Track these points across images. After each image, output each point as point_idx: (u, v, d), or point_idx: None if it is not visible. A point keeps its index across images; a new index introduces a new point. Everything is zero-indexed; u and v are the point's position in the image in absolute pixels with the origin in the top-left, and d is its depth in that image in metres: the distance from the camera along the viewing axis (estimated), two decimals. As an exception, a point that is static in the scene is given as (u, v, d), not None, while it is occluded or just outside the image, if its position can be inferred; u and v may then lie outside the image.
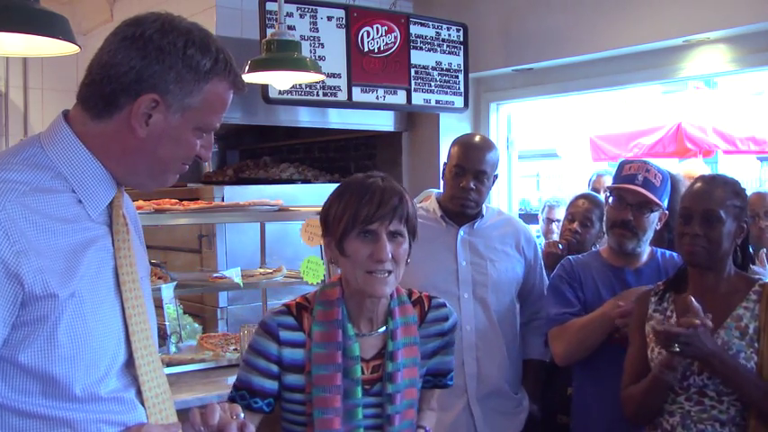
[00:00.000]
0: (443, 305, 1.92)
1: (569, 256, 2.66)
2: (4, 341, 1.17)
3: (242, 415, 1.38)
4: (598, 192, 4.24)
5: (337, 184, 1.82)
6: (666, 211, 2.46)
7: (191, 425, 1.33)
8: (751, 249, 2.23)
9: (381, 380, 1.76)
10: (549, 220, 4.21)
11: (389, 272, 1.70)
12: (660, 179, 2.42)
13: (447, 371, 1.94)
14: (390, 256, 1.68)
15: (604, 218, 2.52)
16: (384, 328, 1.79)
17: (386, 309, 1.79)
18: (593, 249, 2.88)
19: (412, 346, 1.81)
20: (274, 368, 1.74)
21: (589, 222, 3.14)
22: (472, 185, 2.62)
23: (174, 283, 2.89)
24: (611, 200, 2.48)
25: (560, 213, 4.12)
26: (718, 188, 2.07)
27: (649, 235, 2.46)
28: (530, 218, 5.70)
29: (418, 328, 1.83)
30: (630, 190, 2.40)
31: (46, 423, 1.20)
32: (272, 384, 1.74)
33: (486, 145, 2.71)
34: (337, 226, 1.71)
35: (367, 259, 1.68)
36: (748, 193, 2.24)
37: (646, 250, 2.52)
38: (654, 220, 2.44)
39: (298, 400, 1.75)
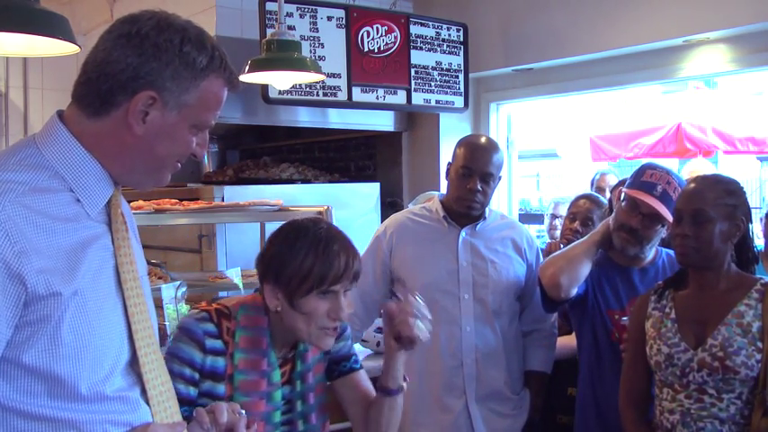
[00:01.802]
0: None
1: None
2: (8, 342, 1.16)
3: (243, 412, 1.38)
4: (602, 191, 4.27)
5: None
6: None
7: (199, 425, 1.33)
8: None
9: (290, 378, 1.78)
10: (554, 216, 4.32)
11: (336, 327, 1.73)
12: (678, 194, 2.36)
13: (347, 355, 1.93)
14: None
15: (613, 216, 2.50)
16: None
17: None
18: None
19: (319, 365, 1.85)
20: (197, 376, 1.70)
21: (590, 222, 3.14)
22: (479, 187, 2.62)
23: (177, 282, 2.89)
24: (623, 202, 2.45)
25: (564, 210, 4.17)
26: (709, 188, 2.07)
27: (655, 243, 2.46)
28: (530, 218, 5.71)
29: None
30: (646, 202, 2.37)
31: (51, 425, 1.19)
32: (194, 392, 1.70)
33: (493, 146, 2.70)
34: (297, 283, 1.67)
35: (324, 317, 1.69)
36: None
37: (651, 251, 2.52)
38: (661, 232, 2.43)
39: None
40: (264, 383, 1.72)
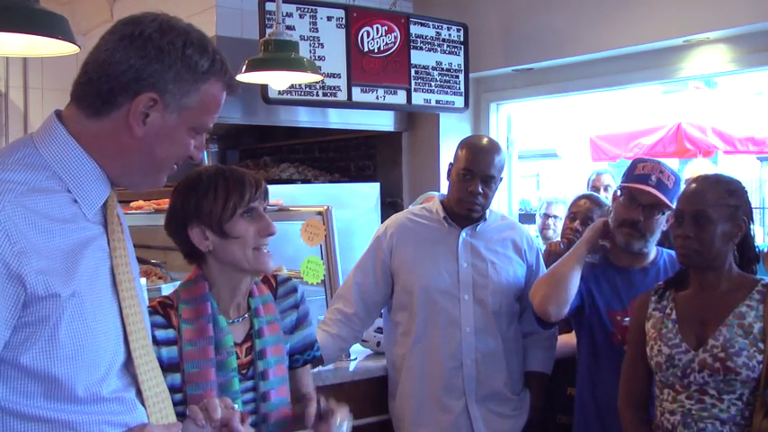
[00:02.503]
0: (289, 279, 2.00)
1: None
2: (6, 343, 1.16)
3: (236, 406, 1.38)
4: (598, 190, 4.29)
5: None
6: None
7: (193, 421, 1.33)
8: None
9: (253, 360, 1.82)
10: (547, 216, 4.36)
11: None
12: (673, 181, 2.40)
13: (311, 343, 1.98)
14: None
15: (611, 216, 2.50)
16: (247, 311, 1.86)
17: (247, 291, 1.86)
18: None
19: (274, 324, 1.88)
20: None
21: (590, 222, 3.14)
22: (480, 190, 2.62)
23: (177, 282, 2.88)
24: (621, 198, 2.46)
25: (557, 210, 4.24)
26: (710, 188, 2.06)
27: (657, 236, 2.45)
28: (530, 218, 5.72)
29: (275, 304, 1.91)
30: (644, 191, 2.38)
31: (48, 426, 1.19)
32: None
33: (495, 148, 2.69)
34: (219, 211, 1.75)
35: (256, 236, 1.77)
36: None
37: (652, 250, 2.52)
38: (662, 222, 2.43)
39: (175, 401, 1.68)
40: (211, 350, 1.75)
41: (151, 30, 1.26)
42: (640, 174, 2.41)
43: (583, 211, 3.18)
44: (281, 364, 1.87)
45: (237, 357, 1.79)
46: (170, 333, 1.76)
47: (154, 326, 1.72)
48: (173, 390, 1.67)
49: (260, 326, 1.84)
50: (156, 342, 1.71)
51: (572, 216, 3.24)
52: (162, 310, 1.79)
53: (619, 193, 2.49)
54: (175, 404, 1.65)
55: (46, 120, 1.32)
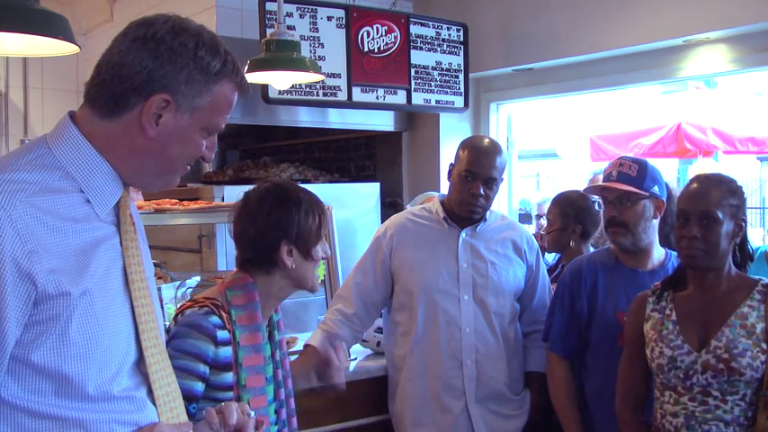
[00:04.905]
0: None
1: (581, 256, 2.68)
2: (17, 341, 1.17)
3: (253, 413, 1.39)
4: None
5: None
6: (662, 198, 2.45)
7: (208, 425, 1.33)
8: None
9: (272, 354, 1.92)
10: (538, 216, 4.66)
11: None
12: (636, 169, 2.43)
13: None
14: None
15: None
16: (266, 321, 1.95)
17: None
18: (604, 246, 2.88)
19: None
20: (207, 371, 1.76)
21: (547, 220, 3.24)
22: (482, 191, 2.62)
23: (177, 282, 2.89)
24: (600, 205, 2.55)
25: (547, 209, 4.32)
26: (714, 188, 2.06)
27: (645, 226, 2.44)
28: (529, 218, 5.72)
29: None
30: (606, 188, 2.45)
31: (58, 424, 1.19)
32: (201, 387, 1.75)
33: (496, 150, 2.69)
34: (309, 236, 1.89)
35: (320, 258, 1.94)
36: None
37: (657, 250, 2.51)
38: (643, 211, 2.42)
39: (227, 399, 1.75)
40: (261, 357, 1.83)
41: (164, 31, 1.28)
42: (605, 175, 2.51)
43: (547, 212, 3.23)
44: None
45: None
46: (225, 334, 1.79)
47: (216, 327, 1.78)
48: (224, 388, 1.78)
49: (281, 338, 1.97)
50: (216, 343, 1.77)
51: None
52: (217, 310, 1.82)
53: (598, 202, 2.58)
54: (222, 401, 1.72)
55: (60, 121, 1.33)
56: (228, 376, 1.78)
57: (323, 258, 1.96)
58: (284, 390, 1.92)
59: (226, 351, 1.78)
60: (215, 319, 1.78)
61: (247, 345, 1.80)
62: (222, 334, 1.78)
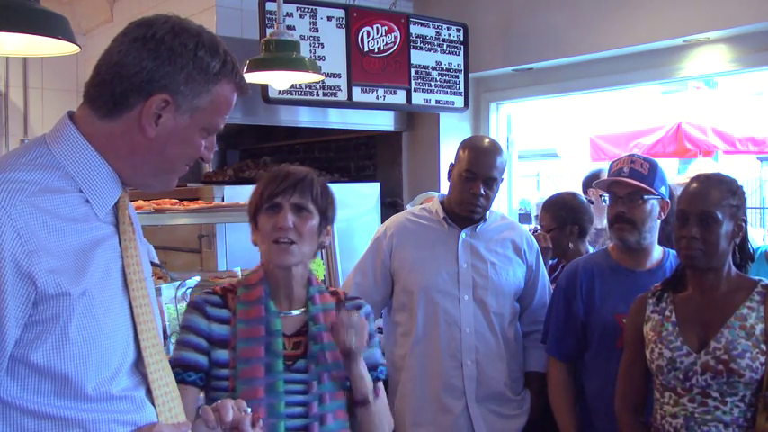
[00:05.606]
0: (358, 297, 2.09)
1: (577, 258, 2.68)
2: (17, 341, 1.17)
3: (249, 410, 1.39)
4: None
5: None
6: (667, 199, 2.45)
7: (204, 423, 1.34)
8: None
9: (304, 357, 1.86)
10: (537, 217, 4.44)
11: (292, 242, 1.84)
12: (648, 167, 2.42)
13: (375, 364, 1.97)
14: (292, 225, 1.83)
15: (605, 217, 2.52)
16: (303, 309, 1.91)
17: (304, 291, 1.93)
18: (601, 247, 2.88)
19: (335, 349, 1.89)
20: (204, 343, 1.84)
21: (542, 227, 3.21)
22: (482, 191, 2.62)
23: (177, 282, 2.88)
24: (607, 200, 2.49)
25: None
26: (714, 188, 2.05)
27: (651, 226, 2.44)
28: (529, 218, 5.72)
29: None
30: (618, 182, 2.42)
31: (57, 424, 1.19)
32: (203, 359, 1.83)
33: (497, 150, 2.69)
34: (251, 206, 1.91)
35: (271, 229, 1.84)
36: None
37: (656, 249, 2.50)
38: (651, 210, 2.42)
39: (223, 376, 1.83)
40: (262, 350, 1.81)
41: (164, 32, 1.28)
42: (614, 170, 2.47)
43: (539, 218, 3.23)
44: (341, 370, 1.87)
45: (284, 347, 1.84)
46: (223, 312, 1.87)
47: (207, 303, 1.88)
48: (221, 365, 1.83)
49: (318, 330, 1.87)
50: (207, 317, 1.85)
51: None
52: (221, 292, 1.91)
53: (602, 196, 2.53)
54: (220, 379, 1.81)
55: (59, 120, 1.33)
56: (223, 354, 1.83)
57: (276, 229, 1.86)
58: (318, 385, 1.83)
59: (221, 329, 1.84)
60: (211, 297, 1.90)
61: (245, 337, 1.83)
62: (214, 311, 1.86)
